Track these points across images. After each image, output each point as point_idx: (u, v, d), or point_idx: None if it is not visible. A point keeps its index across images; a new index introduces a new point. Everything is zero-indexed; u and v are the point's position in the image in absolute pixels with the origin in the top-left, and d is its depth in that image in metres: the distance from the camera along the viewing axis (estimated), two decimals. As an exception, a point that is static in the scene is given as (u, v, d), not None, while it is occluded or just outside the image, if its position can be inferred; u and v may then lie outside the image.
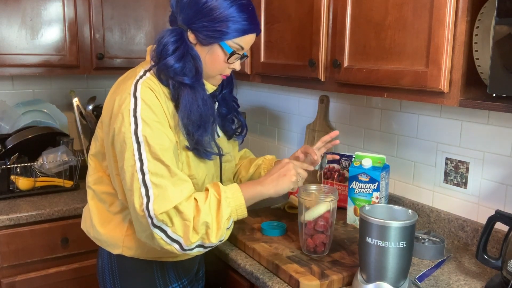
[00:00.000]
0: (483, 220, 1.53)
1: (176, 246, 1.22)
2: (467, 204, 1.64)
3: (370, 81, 1.44)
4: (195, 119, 1.28)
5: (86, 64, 2.30)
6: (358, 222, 1.29)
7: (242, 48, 1.32)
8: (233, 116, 1.55)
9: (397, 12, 1.34)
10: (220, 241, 1.26)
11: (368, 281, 1.21)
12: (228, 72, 1.37)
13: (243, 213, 1.29)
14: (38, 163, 2.17)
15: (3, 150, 2.14)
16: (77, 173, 2.24)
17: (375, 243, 1.17)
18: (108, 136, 1.27)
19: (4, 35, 2.09)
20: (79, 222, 1.53)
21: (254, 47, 1.90)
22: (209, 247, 1.26)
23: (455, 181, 1.66)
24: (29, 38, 2.15)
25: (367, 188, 1.62)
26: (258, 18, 1.36)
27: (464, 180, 1.64)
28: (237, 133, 1.59)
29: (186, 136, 1.31)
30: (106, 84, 2.72)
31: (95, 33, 2.29)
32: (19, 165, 2.11)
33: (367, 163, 1.63)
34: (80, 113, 2.50)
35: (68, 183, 2.23)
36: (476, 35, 1.20)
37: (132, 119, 1.21)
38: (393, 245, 1.15)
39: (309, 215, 1.40)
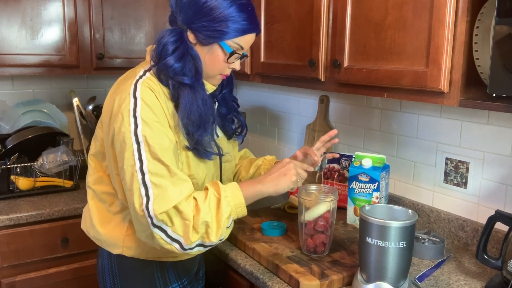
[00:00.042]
0: (483, 220, 1.53)
1: (176, 245, 1.22)
2: (467, 204, 1.63)
3: (370, 81, 1.44)
4: (195, 119, 1.28)
5: (86, 64, 2.30)
6: (358, 222, 1.29)
7: (242, 48, 1.32)
8: (233, 116, 1.55)
9: (397, 12, 1.34)
10: (220, 240, 1.26)
11: (368, 281, 1.21)
12: (228, 72, 1.37)
13: (243, 211, 1.30)
14: (38, 163, 2.17)
15: (3, 150, 2.14)
16: (77, 173, 2.24)
17: (375, 243, 1.17)
18: (108, 136, 1.27)
19: (4, 35, 2.09)
20: (79, 222, 1.53)
21: (254, 47, 1.90)
22: (209, 246, 1.26)
23: (455, 181, 1.66)
24: (29, 38, 2.15)
25: (367, 188, 1.62)
26: (258, 18, 1.36)
27: (464, 180, 1.64)
28: (237, 133, 1.59)
29: (186, 136, 1.31)
30: (106, 84, 2.72)
31: (95, 33, 2.28)
32: (19, 165, 2.11)
33: (367, 163, 1.63)
34: (80, 113, 2.50)
35: (68, 183, 2.23)
36: (476, 35, 1.20)
37: (132, 119, 1.21)
38: (393, 245, 1.15)
39: (309, 215, 1.40)
